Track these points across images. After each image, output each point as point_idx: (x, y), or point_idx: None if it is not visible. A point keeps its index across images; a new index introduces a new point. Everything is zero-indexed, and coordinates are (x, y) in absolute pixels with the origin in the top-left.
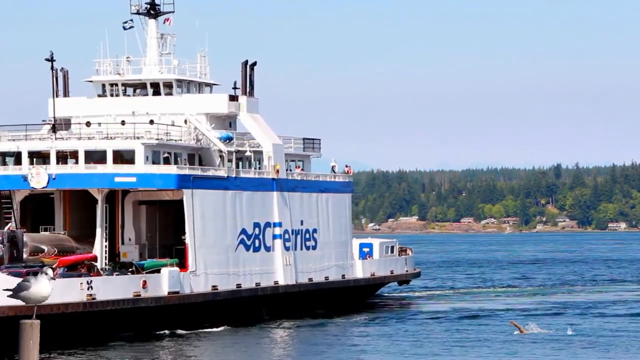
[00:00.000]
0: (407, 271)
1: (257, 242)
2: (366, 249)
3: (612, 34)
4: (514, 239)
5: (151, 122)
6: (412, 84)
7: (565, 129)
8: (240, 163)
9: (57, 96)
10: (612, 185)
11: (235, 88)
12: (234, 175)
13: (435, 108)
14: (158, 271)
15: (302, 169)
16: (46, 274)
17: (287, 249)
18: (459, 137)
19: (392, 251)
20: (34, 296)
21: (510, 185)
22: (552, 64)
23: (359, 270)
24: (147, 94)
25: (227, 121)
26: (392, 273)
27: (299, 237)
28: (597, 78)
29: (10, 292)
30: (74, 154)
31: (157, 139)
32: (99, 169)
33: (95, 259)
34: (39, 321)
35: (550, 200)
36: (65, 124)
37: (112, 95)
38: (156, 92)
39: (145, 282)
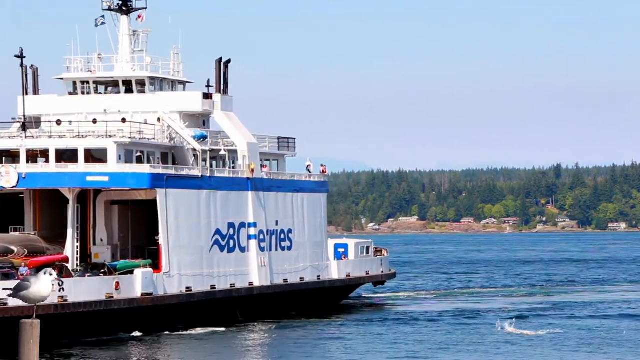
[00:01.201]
0: (382, 272)
1: (231, 242)
2: (341, 250)
3: (613, 34)
4: (513, 239)
5: (123, 120)
6: (413, 84)
7: (565, 129)
8: (214, 162)
9: (26, 94)
10: (612, 185)
11: (208, 86)
12: (208, 175)
13: (435, 108)
14: (131, 272)
15: (270, 168)
16: (50, 274)
17: (262, 249)
18: (459, 137)
19: (367, 252)
20: (34, 296)
21: (510, 185)
22: (552, 64)
23: (334, 271)
24: (119, 92)
25: (201, 119)
26: (368, 274)
27: (274, 237)
28: (598, 78)
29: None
30: (45, 153)
31: (129, 138)
32: (70, 168)
33: (66, 260)
34: (39, 321)
35: (550, 200)
36: (36, 122)
37: (83, 93)
38: (128, 90)
39: (118, 283)
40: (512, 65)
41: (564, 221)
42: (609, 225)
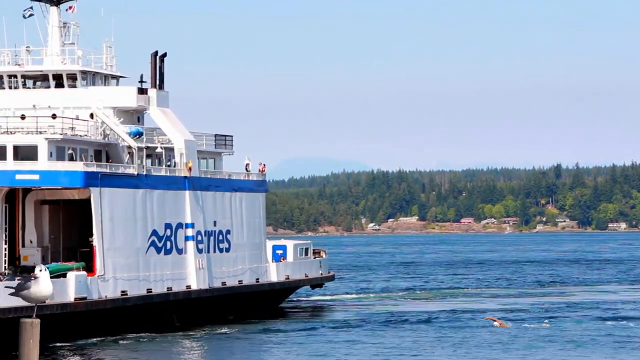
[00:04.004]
0: (321, 274)
1: (168, 244)
2: (280, 251)
3: (613, 34)
4: (511, 239)
5: (54, 116)
6: (413, 85)
7: (565, 129)
8: (150, 160)
9: None
10: (612, 185)
11: (142, 81)
12: (144, 173)
13: (435, 108)
14: (63, 276)
15: (207, 167)
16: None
17: (199, 251)
18: (459, 137)
19: (306, 253)
20: (35, 295)
21: (510, 185)
22: (552, 64)
23: (273, 274)
24: (49, 86)
25: (136, 116)
26: (307, 276)
27: (212, 238)
28: (598, 78)
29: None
30: None
31: (61, 134)
32: None
33: None
34: (39, 320)
35: (550, 200)
36: None
37: (10, 87)
38: (59, 85)
39: None
40: (512, 65)
41: (564, 221)
42: (609, 225)
